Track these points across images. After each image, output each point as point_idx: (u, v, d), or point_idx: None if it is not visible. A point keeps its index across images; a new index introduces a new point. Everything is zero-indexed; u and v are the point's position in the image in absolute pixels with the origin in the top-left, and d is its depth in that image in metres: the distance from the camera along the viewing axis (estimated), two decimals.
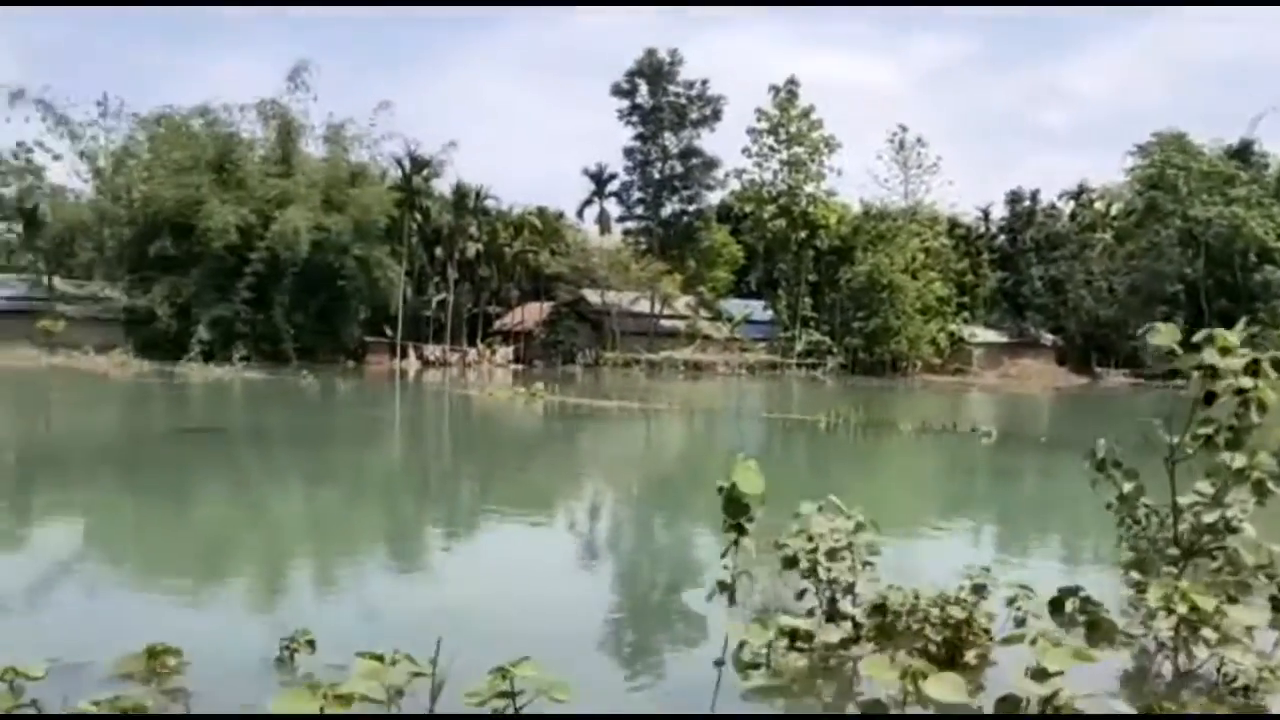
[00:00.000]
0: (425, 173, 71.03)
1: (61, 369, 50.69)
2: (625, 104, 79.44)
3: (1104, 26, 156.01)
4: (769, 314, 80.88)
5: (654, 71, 78.17)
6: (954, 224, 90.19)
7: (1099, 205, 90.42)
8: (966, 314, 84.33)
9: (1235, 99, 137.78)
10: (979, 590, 6.52)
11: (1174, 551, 6.74)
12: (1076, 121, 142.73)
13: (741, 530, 7.07)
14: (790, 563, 6.74)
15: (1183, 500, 6.79)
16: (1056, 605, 6.28)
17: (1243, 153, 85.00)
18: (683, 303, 78.25)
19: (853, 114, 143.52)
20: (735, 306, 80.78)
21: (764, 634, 5.80)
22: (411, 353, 70.26)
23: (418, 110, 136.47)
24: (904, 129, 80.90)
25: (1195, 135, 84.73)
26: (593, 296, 77.39)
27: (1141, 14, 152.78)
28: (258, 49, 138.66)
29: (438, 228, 73.26)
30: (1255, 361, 6.30)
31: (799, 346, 77.68)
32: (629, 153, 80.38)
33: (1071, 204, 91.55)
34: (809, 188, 78.01)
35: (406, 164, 69.86)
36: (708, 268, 79.56)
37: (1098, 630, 6.09)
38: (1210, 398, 6.38)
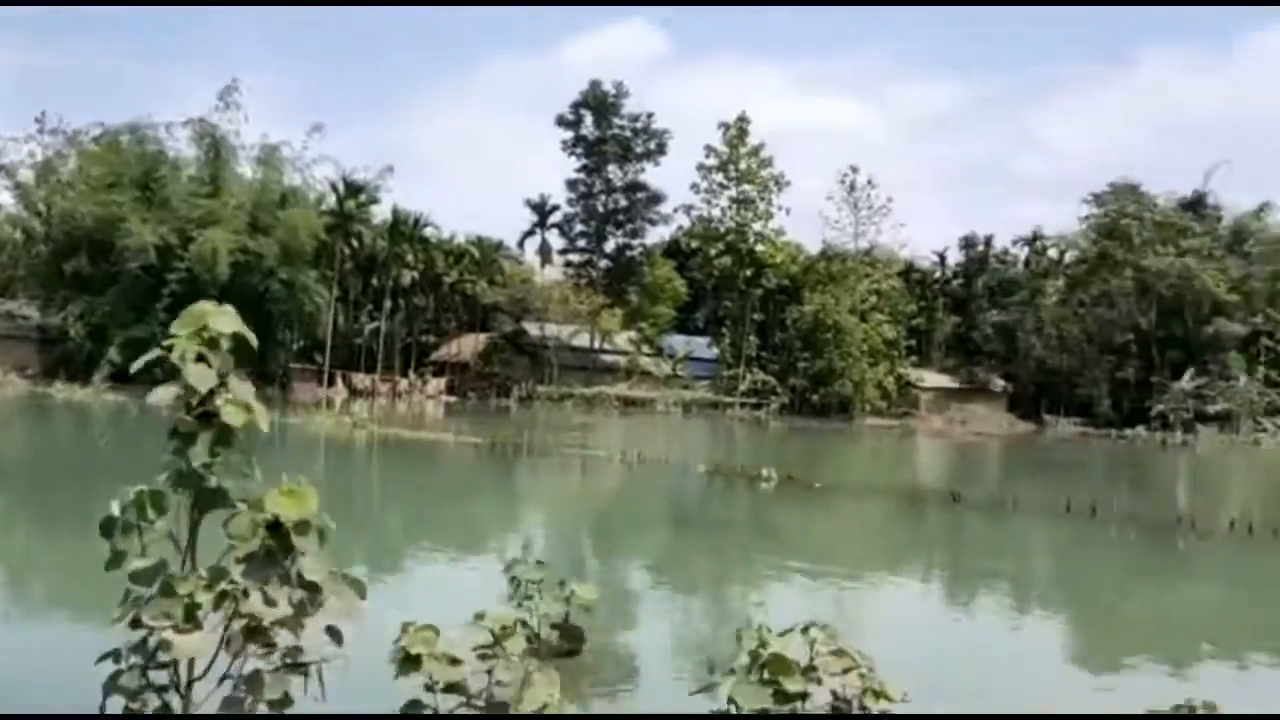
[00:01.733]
0: (361, 197, 69.37)
1: None
2: (570, 135, 78.30)
3: (1082, 76, 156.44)
4: (714, 351, 79.40)
5: (599, 103, 77.05)
6: (910, 267, 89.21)
7: (1053, 252, 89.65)
8: (915, 358, 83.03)
9: (1194, 151, 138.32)
10: None
11: None
12: (1055, 172, 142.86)
13: None
14: None
15: None
16: None
17: (1196, 205, 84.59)
18: (624, 338, 76.68)
19: (836, 159, 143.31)
20: (679, 343, 79.29)
21: None
22: (340, 381, 68.29)
23: (380, 138, 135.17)
24: (854, 170, 79.97)
25: (1149, 186, 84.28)
26: (531, 329, 75.76)
27: (1122, 66, 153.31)
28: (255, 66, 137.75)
29: (372, 254, 71.53)
30: None
31: (742, 386, 76.11)
32: (572, 184, 79.15)
33: (1026, 250, 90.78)
34: (757, 226, 76.85)
35: (340, 187, 68.24)
36: (651, 303, 78.05)
37: None
38: None
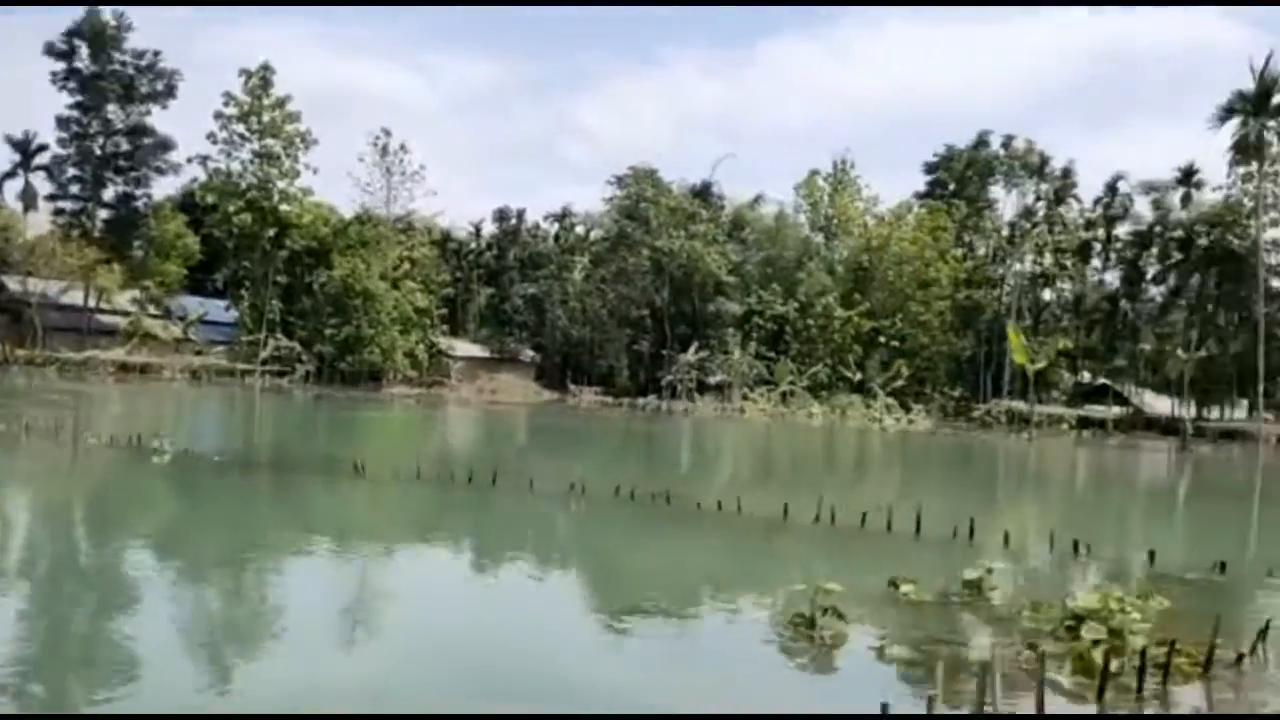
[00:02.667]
0: None
1: None
2: (61, 66, 68.92)
3: (618, 71, 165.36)
4: (233, 315, 74.08)
5: (97, 34, 68.52)
6: (446, 237, 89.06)
7: (580, 230, 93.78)
8: (446, 327, 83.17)
9: (706, 144, 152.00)
10: None
11: None
12: (594, 157, 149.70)
13: None
14: None
15: None
16: None
17: (704, 193, 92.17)
18: (126, 297, 69.14)
19: (378, 125, 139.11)
20: (192, 305, 73.02)
21: None
22: None
23: None
24: (387, 133, 78.20)
25: (666, 173, 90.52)
26: (12, 283, 65.98)
27: (654, 65, 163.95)
28: None
29: None
30: None
31: (264, 353, 71.73)
32: (64, 122, 69.77)
33: (556, 226, 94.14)
34: (282, 183, 72.54)
35: None
36: (159, 260, 71.05)
37: None
38: None
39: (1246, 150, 60.36)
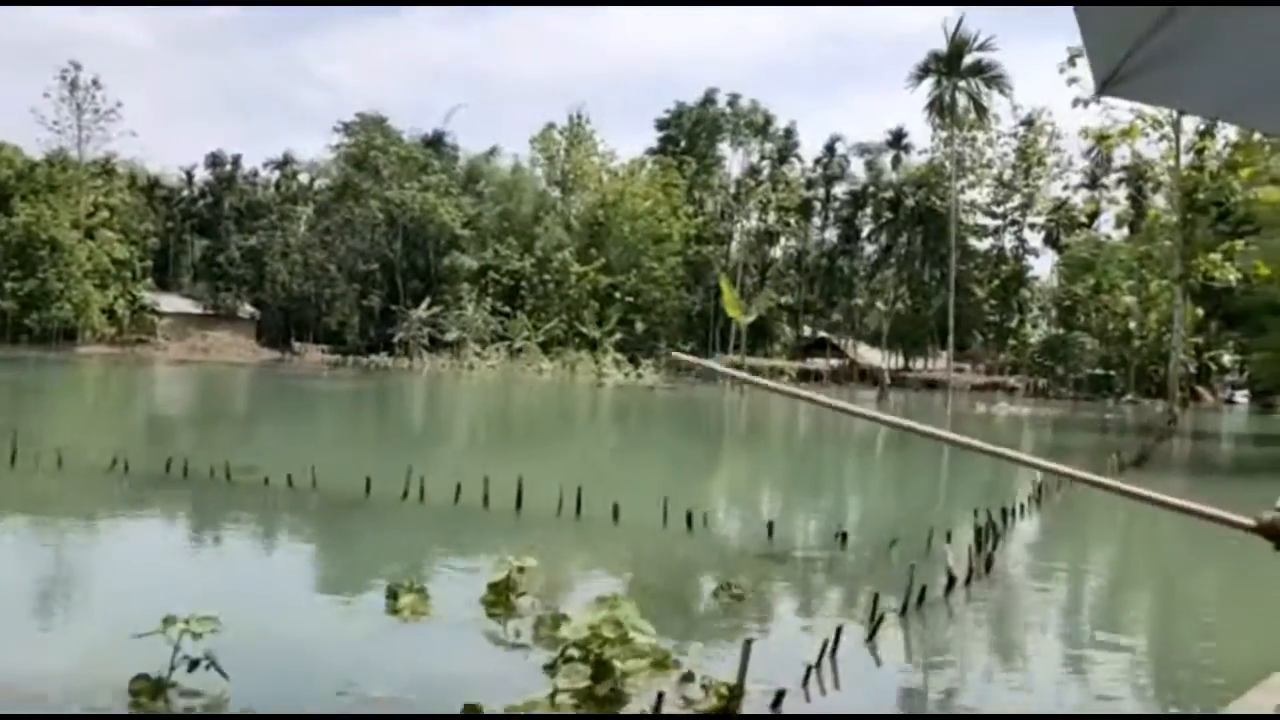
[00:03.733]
0: None
1: None
2: None
3: (355, 20, 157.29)
4: None
5: None
6: (155, 183, 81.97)
7: (304, 178, 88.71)
8: (151, 280, 76.73)
9: (442, 94, 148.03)
10: None
11: None
12: (332, 104, 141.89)
13: None
14: None
15: None
16: None
17: (436, 143, 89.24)
18: None
19: (100, 67, 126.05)
20: None
21: None
22: None
23: None
24: (77, 66, 70.68)
25: (396, 121, 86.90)
26: None
27: (390, 13, 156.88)
28: None
29: None
30: None
31: None
32: None
33: (277, 174, 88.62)
34: None
35: None
36: None
37: None
38: None
39: (940, 110, 63.79)
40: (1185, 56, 1.81)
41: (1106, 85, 1.90)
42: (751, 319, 66.59)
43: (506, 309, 79.67)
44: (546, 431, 31.44)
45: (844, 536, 11.98)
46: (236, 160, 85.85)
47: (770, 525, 11.99)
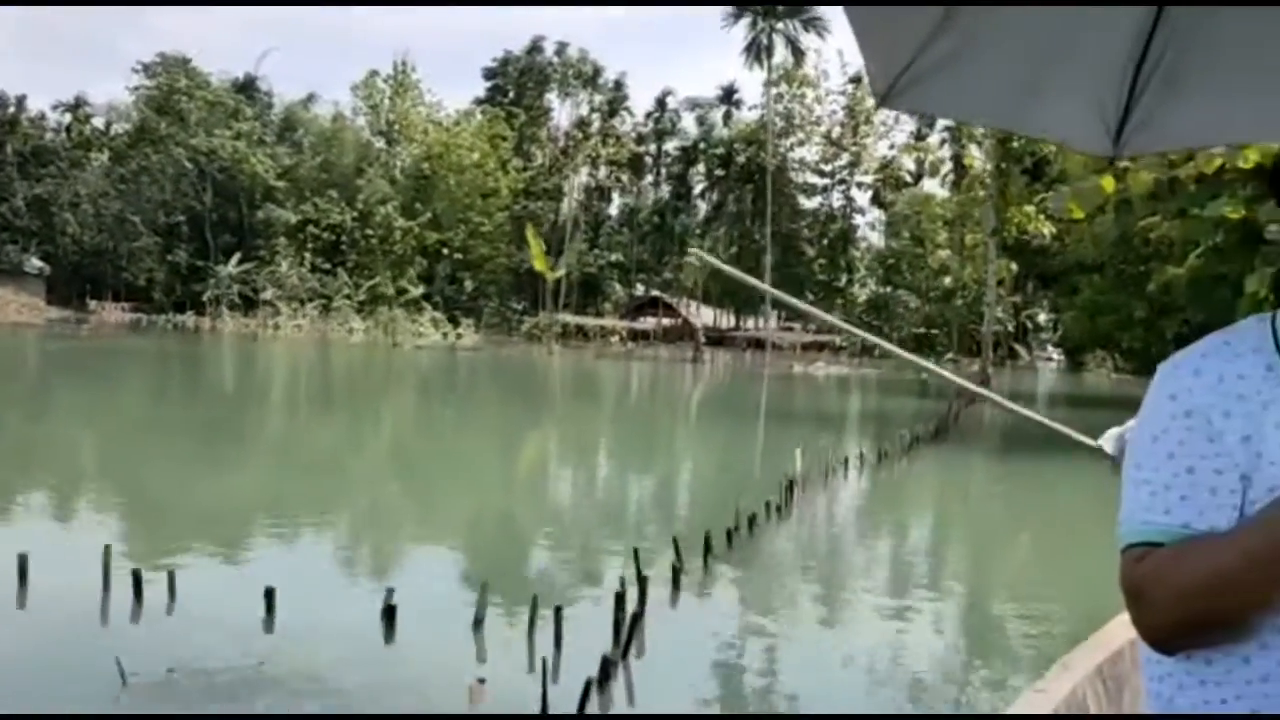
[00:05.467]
0: None
1: None
2: None
3: None
4: None
5: None
6: None
7: (98, 122, 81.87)
8: None
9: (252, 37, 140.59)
10: None
11: None
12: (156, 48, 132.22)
13: None
14: None
15: None
16: None
17: (248, 88, 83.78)
18: None
19: None
20: None
21: None
22: None
23: None
24: None
25: (202, 63, 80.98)
26: None
27: None
28: None
29: None
30: None
31: None
32: None
33: (68, 117, 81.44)
34: None
35: None
36: None
37: None
38: None
39: (758, 54, 62.66)
40: (961, 65, 1.80)
41: (886, 98, 1.85)
42: (561, 274, 64.87)
43: (328, 265, 75.69)
44: (326, 397, 28.64)
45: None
46: (21, 101, 78.38)
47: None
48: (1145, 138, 1.95)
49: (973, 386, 7.14)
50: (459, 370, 44.38)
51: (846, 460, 15.74)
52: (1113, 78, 1.85)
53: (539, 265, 63.60)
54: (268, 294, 74.19)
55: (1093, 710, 2.71)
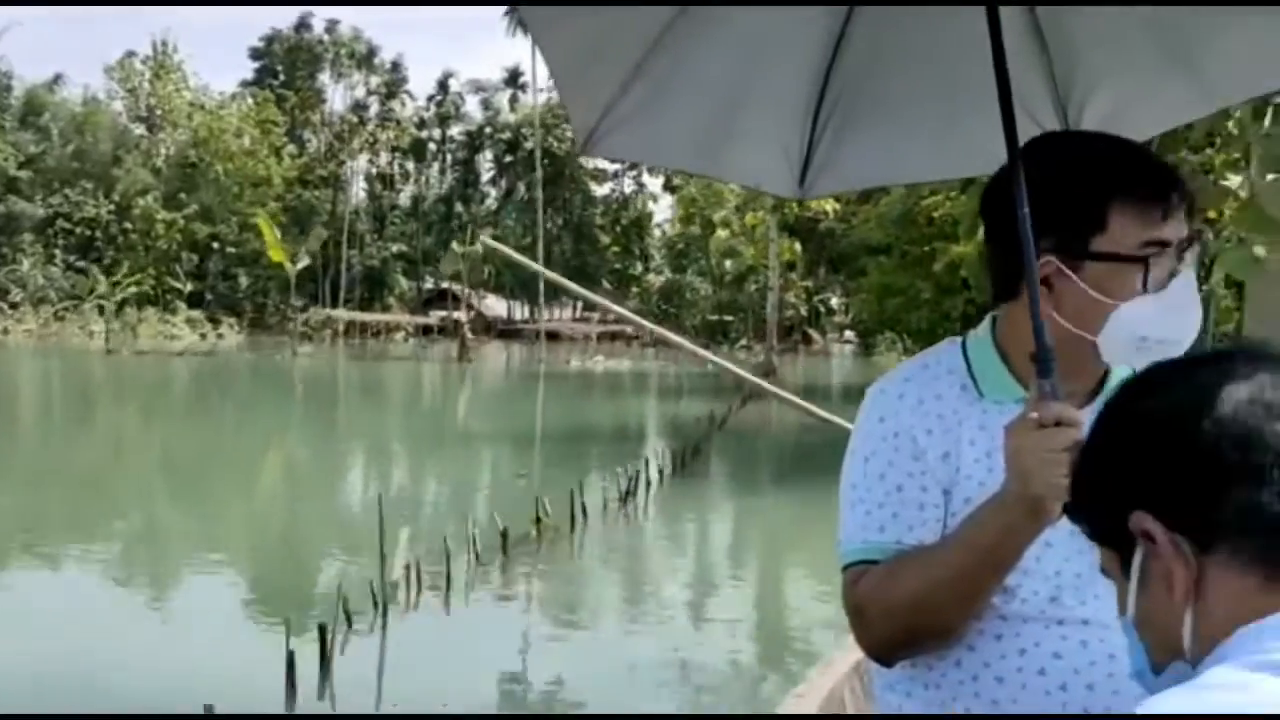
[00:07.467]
0: None
1: None
2: None
3: None
4: None
5: None
6: None
7: None
8: None
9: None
10: None
11: None
12: None
13: None
14: None
15: None
16: None
17: None
18: None
19: None
20: None
21: None
22: None
23: None
24: None
25: None
26: None
27: None
28: None
29: None
30: None
31: None
32: None
33: None
34: None
35: None
36: None
37: None
38: None
39: (522, 23, 60.85)
40: (654, 114, 1.85)
41: (586, 146, 1.89)
42: (303, 265, 61.63)
43: (83, 263, 69.48)
44: None
45: None
46: None
47: None
48: (827, 179, 1.97)
49: (753, 378, 5.76)
50: (137, 382, 36.01)
51: (539, 521, 10.84)
52: (794, 123, 1.89)
53: (276, 256, 59.68)
54: (16, 295, 67.70)
55: (850, 709, 2.82)
